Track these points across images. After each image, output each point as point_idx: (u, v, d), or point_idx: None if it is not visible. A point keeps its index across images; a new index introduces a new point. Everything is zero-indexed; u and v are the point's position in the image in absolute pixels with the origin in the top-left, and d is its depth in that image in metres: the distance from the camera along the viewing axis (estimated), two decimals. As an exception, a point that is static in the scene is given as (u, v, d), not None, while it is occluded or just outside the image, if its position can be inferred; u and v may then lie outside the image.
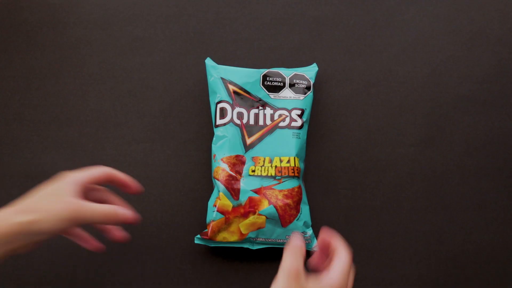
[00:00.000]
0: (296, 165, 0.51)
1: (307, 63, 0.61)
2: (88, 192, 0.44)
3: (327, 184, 0.59)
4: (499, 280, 0.59)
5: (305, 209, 0.53)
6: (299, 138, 0.53)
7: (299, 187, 0.52)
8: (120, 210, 0.40)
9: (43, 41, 0.60)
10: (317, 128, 0.60)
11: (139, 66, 0.60)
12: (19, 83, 0.60)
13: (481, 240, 0.59)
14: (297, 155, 0.52)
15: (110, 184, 0.46)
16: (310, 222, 0.53)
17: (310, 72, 0.56)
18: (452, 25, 0.61)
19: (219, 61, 0.61)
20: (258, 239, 0.52)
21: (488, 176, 0.60)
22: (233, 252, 0.57)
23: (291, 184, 0.51)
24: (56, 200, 0.37)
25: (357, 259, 0.59)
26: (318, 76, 0.60)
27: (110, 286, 0.57)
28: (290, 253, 0.38)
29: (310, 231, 0.53)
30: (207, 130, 0.60)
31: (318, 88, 0.61)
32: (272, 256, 0.57)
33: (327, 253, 0.42)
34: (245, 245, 0.52)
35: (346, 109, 0.60)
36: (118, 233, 0.46)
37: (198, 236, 0.52)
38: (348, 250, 0.44)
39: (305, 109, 0.54)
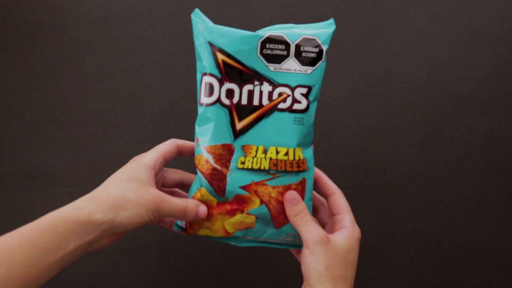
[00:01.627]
0: (297, 158, 0.42)
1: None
2: (158, 173, 0.42)
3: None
4: (499, 280, 0.59)
5: (307, 205, 0.43)
6: (302, 124, 0.42)
7: (299, 183, 0.43)
8: (191, 206, 0.39)
9: (43, 41, 0.60)
10: (317, 128, 0.60)
11: (139, 66, 0.60)
12: (19, 83, 0.60)
13: (481, 240, 0.59)
14: (299, 145, 0.43)
15: (180, 156, 0.44)
16: None
17: (323, 33, 0.43)
18: (452, 25, 0.61)
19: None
20: (246, 237, 0.44)
21: (488, 176, 0.60)
22: (233, 252, 0.57)
23: (288, 180, 0.42)
24: (142, 190, 0.36)
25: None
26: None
27: (110, 286, 0.57)
28: (303, 221, 0.38)
29: None
30: (207, 130, 0.60)
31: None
32: (272, 256, 0.57)
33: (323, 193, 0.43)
34: (231, 242, 0.45)
35: (346, 109, 0.60)
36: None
37: (178, 222, 0.44)
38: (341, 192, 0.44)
39: (313, 85, 0.43)
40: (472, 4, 0.62)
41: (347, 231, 0.39)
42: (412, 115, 0.61)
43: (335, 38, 0.62)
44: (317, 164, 0.59)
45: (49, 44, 0.60)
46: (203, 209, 0.40)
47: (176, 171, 0.44)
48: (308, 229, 0.37)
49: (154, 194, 0.37)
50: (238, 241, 0.44)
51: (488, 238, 0.59)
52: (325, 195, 0.43)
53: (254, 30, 0.61)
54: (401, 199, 0.59)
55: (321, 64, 0.43)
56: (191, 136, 0.59)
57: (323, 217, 0.45)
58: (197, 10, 0.43)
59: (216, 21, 0.61)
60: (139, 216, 0.35)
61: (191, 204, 0.39)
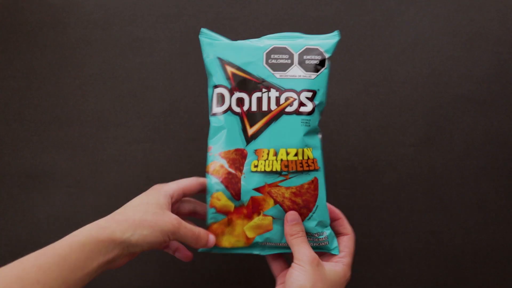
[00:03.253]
0: (305, 158, 0.44)
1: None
2: (175, 204, 0.45)
3: (327, 184, 0.59)
4: (499, 280, 0.59)
5: (321, 205, 0.45)
6: (309, 126, 0.45)
7: (311, 182, 0.44)
8: (203, 235, 0.42)
9: (43, 41, 0.60)
10: (317, 128, 0.60)
11: (139, 66, 0.60)
12: (19, 83, 0.60)
13: (481, 240, 0.59)
14: (308, 146, 0.44)
15: (201, 193, 0.46)
16: (327, 221, 0.45)
17: (326, 43, 0.45)
18: (452, 25, 0.61)
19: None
20: (267, 244, 0.45)
21: (488, 176, 0.60)
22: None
23: (300, 180, 0.44)
24: (160, 213, 0.39)
25: (357, 259, 0.59)
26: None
27: (110, 286, 0.57)
28: (299, 241, 0.41)
29: (327, 231, 0.45)
30: (207, 130, 0.60)
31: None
32: (272, 256, 0.57)
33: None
34: (255, 252, 0.46)
35: (346, 109, 0.60)
36: (186, 252, 0.47)
37: None
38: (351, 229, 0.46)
39: (318, 90, 0.45)
40: (472, 4, 0.62)
41: (340, 267, 0.42)
42: (412, 115, 0.61)
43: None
44: (317, 164, 0.59)
45: (49, 44, 0.61)
46: (212, 238, 0.43)
47: (190, 201, 0.47)
48: (303, 249, 0.41)
49: (172, 217, 0.39)
50: (260, 248, 0.46)
51: (488, 238, 0.59)
52: (339, 234, 0.46)
53: (254, 31, 0.61)
54: (401, 199, 0.59)
55: (324, 70, 0.45)
56: (191, 136, 0.59)
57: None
58: (203, 30, 0.46)
59: (216, 21, 0.61)
60: (154, 237, 0.37)
61: (203, 232, 0.42)
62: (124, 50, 0.61)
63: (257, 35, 0.62)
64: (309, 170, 0.44)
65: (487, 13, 0.62)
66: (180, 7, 0.61)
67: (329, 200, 0.60)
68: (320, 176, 0.45)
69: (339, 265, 0.42)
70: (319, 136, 0.46)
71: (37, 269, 0.32)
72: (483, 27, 0.61)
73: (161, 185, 0.43)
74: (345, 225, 0.46)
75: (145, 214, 0.38)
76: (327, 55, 0.45)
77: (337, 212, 0.47)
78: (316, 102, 0.45)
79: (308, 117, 0.44)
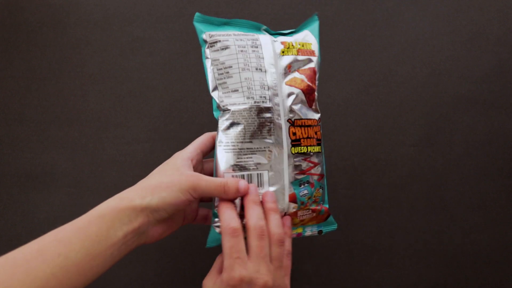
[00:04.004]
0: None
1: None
2: (197, 166, 0.43)
3: (327, 184, 0.59)
4: (499, 280, 0.59)
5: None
6: None
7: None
8: (230, 181, 0.39)
9: (43, 41, 0.60)
10: (317, 128, 0.60)
11: (139, 66, 0.60)
12: (19, 83, 0.60)
13: (481, 240, 0.59)
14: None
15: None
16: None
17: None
18: (452, 25, 0.61)
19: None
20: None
21: (487, 176, 0.60)
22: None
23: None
24: (177, 174, 0.38)
25: (357, 259, 0.59)
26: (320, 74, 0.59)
27: (110, 286, 0.57)
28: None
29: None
30: (207, 130, 0.60)
31: (318, 88, 0.61)
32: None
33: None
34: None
35: (346, 109, 0.60)
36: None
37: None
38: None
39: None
40: (472, 4, 0.62)
41: None
42: (412, 115, 0.61)
43: (335, 38, 0.62)
44: (317, 164, 0.59)
45: (49, 44, 0.61)
46: (243, 183, 0.39)
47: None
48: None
49: (189, 174, 0.38)
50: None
51: (488, 238, 0.59)
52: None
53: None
54: (401, 199, 0.59)
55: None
56: (191, 136, 0.59)
57: None
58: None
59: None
60: (173, 197, 0.36)
61: (231, 180, 0.39)
62: (124, 50, 0.61)
63: (257, 35, 0.62)
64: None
65: (487, 13, 0.62)
66: (180, 7, 0.61)
67: (329, 200, 0.60)
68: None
69: None
70: None
71: (57, 243, 0.32)
72: (483, 27, 0.61)
73: (179, 152, 0.42)
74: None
75: (162, 177, 0.37)
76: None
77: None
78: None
79: None
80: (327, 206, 0.45)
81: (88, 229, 0.33)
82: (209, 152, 0.44)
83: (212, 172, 0.45)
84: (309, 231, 0.45)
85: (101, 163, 0.59)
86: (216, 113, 0.42)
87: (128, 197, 0.36)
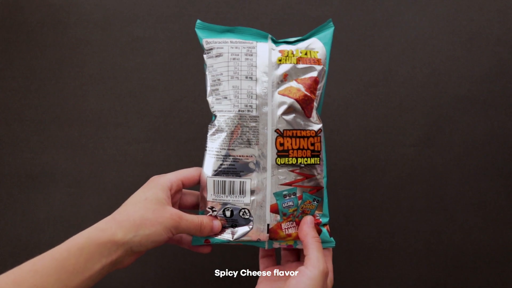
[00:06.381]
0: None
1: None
2: (175, 195, 0.44)
3: (327, 184, 0.59)
4: (499, 280, 0.59)
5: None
6: None
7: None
8: (206, 222, 0.41)
9: (43, 41, 0.60)
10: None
11: (139, 66, 0.60)
12: (19, 83, 0.60)
13: (481, 240, 0.59)
14: None
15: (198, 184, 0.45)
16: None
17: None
18: (452, 25, 0.61)
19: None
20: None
21: (487, 176, 0.60)
22: (233, 251, 0.57)
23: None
24: (160, 210, 0.38)
25: (357, 259, 0.59)
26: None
27: (110, 286, 0.57)
28: (318, 246, 0.39)
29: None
30: (207, 130, 0.60)
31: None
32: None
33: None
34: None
35: (346, 109, 0.60)
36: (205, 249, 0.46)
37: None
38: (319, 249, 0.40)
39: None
40: (472, 4, 0.62)
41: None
42: (412, 115, 0.61)
43: (335, 38, 0.62)
44: (317, 164, 0.59)
45: (49, 44, 0.61)
46: (217, 223, 0.42)
47: (193, 194, 0.46)
48: (320, 256, 0.38)
49: (173, 213, 0.39)
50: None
51: (488, 238, 0.59)
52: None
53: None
54: (401, 199, 0.59)
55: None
56: (191, 136, 0.59)
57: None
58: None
59: (216, 21, 0.61)
60: (157, 235, 0.37)
61: (206, 219, 0.41)
62: (124, 50, 0.61)
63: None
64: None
65: (487, 13, 0.62)
66: (180, 7, 0.61)
67: (329, 200, 0.60)
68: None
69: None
70: None
71: (34, 274, 0.31)
72: (483, 27, 0.61)
73: (159, 176, 0.42)
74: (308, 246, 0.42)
75: (146, 212, 0.37)
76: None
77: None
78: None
79: None
80: (325, 220, 0.44)
81: (66, 261, 0.33)
82: (191, 185, 0.44)
83: (190, 205, 0.45)
84: (299, 245, 0.43)
85: (101, 163, 0.59)
86: (213, 118, 0.44)
87: (110, 229, 0.35)
